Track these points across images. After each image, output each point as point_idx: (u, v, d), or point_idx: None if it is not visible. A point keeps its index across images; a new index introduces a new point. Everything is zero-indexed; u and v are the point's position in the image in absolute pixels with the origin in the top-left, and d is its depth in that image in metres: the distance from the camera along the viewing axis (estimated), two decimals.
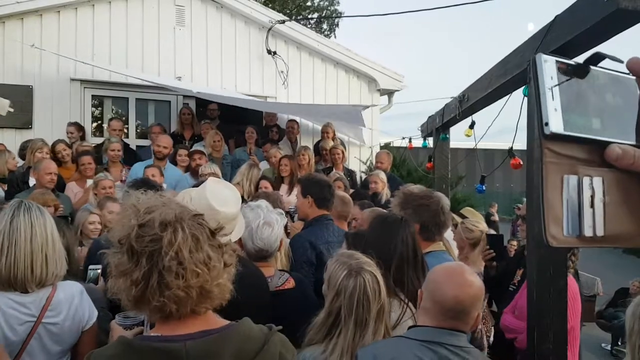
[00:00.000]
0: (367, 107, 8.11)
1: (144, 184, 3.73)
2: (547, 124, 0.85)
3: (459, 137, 5.67)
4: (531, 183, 3.02)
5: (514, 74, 3.38)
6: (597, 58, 0.89)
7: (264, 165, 7.33)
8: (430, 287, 1.98)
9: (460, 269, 2.02)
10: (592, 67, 0.89)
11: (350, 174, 7.40)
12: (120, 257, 1.33)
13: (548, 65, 0.88)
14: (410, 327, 2.04)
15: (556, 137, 0.86)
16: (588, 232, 0.86)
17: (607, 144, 0.87)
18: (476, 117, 4.66)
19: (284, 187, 6.39)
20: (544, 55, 0.90)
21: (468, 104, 4.28)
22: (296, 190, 3.93)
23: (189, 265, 1.30)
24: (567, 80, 0.87)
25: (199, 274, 1.31)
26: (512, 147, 3.74)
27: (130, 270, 1.31)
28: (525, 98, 3.24)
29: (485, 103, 4.16)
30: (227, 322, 1.42)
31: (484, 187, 4.17)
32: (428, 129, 5.94)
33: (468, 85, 4.42)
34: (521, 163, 3.74)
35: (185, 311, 1.33)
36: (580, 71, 0.89)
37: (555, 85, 0.86)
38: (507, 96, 3.79)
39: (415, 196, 3.21)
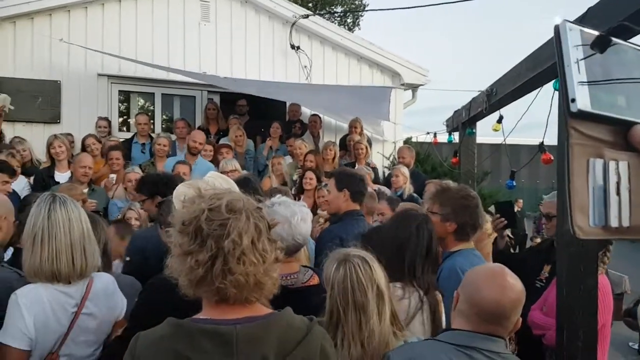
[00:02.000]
0: (394, 88, 8.01)
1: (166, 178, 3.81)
2: (573, 100, 0.80)
3: (483, 132, 5.60)
4: (562, 178, 2.95)
5: (544, 67, 3.31)
6: (623, 29, 0.83)
7: (287, 160, 7.35)
8: (469, 289, 1.90)
9: (501, 271, 1.93)
10: (620, 41, 0.83)
11: (372, 169, 7.38)
12: (182, 237, 1.38)
13: (573, 35, 0.82)
14: (444, 330, 1.99)
15: (583, 116, 0.80)
16: (614, 222, 0.82)
17: (631, 124, 0.81)
18: (502, 112, 4.58)
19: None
20: (568, 23, 0.83)
21: (496, 97, 4.21)
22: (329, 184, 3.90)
23: (249, 254, 1.34)
24: (593, 54, 0.82)
25: (256, 264, 1.35)
26: (542, 142, 3.66)
27: (195, 250, 1.35)
28: (557, 92, 3.18)
29: (514, 97, 4.09)
30: (270, 310, 1.45)
31: (514, 183, 4.08)
32: (454, 124, 5.87)
33: (495, 79, 4.36)
34: (552, 158, 3.65)
35: (241, 297, 1.37)
36: (605, 42, 0.83)
37: (582, 59, 0.81)
38: (537, 90, 3.72)
39: (454, 194, 3.09)
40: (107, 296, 2.39)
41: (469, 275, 1.98)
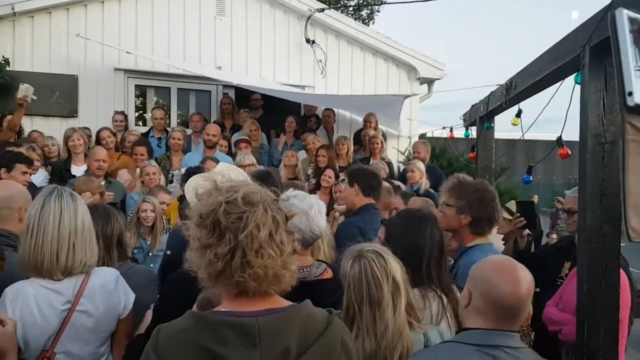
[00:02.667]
0: (408, 96, 8.00)
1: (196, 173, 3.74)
2: (630, 93, 0.77)
3: (498, 127, 5.53)
4: (583, 173, 2.92)
5: (565, 60, 3.26)
6: None
7: (302, 155, 7.35)
8: (483, 286, 1.85)
9: (510, 263, 1.91)
10: None
11: (387, 164, 7.36)
12: (200, 230, 1.37)
13: (629, 23, 0.79)
14: (460, 330, 1.94)
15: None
16: None
17: None
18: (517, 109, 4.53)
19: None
20: (625, 10, 0.80)
21: (516, 91, 4.16)
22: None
23: (266, 246, 1.34)
24: None
25: (274, 257, 1.35)
26: (560, 136, 3.61)
27: (213, 244, 1.35)
28: (577, 86, 3.13)
29: (534, 91, 4.03)
30: (290, 302, 1.45)
31: (530, 178, 4.03)
32: (471, 118, 5.81)
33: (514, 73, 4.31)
34: (569, 153, 3.60)
35: (261, 289, 1.37)
36: None
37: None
38: (558, 83, 3.67)
39: (471, 188, 3.08)
40: (106, 293, 2.29)
41: (478, 272, 1.92)
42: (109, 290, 2.31)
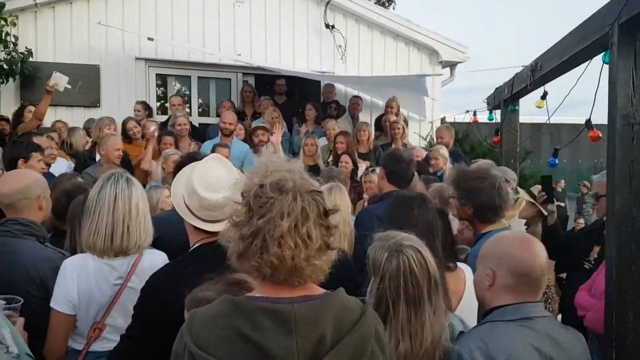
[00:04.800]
0: (430, 75, 7.86)
1: (190, 159, 3.62)
2: None
3: (522, 111, 5.43)
4: (612, 156, 2.84)
5: (593, 40, 3.17)
6: None
7: (322, 142, 7.31)
8: (511, 262, 1.89)
9: (525, 237, 2.01)
10: None
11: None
12: (239, 208, 1.38)
13: None
14: (492, 309, 1.93)
15: None
16: None
17: None
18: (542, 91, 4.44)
19: None
20: None
21: (541, 72, 4.07)
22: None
23: (287, 237, 1.31)
24: None
25: (294, 249, 1.31)
26: (589, 119, 3.53)
27: (242, 223, 1.35)
28: (606, 66, 3.04)
29: (560, 72, 3.95)
30: (324, 290, 1.42)
31: (556, 161, 3.96)
32: (495, 101, 5.72)
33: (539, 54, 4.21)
34: (600, 136, 3.52)
35: (278, 278, 1.35)
36: None
37: None
38: (585, 63, 3.58)
39: (468, 177, 3.07)
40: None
41: (499, 250, 1.96)
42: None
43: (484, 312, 2.00)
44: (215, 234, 2.01)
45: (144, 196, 2.49)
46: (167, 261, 2.44)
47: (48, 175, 4.62)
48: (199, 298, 1.58)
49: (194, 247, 2.14)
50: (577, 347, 1.92)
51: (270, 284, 1.37)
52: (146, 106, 7.64)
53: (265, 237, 1.31)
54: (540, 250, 1.91)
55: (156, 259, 2.44)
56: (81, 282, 2.32)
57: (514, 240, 1.99)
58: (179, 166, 3.44)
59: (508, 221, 3.21)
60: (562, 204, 13.64)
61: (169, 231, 3.09)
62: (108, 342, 2.33)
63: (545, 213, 3.83)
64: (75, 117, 7.58)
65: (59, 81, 5.92)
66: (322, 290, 1.42)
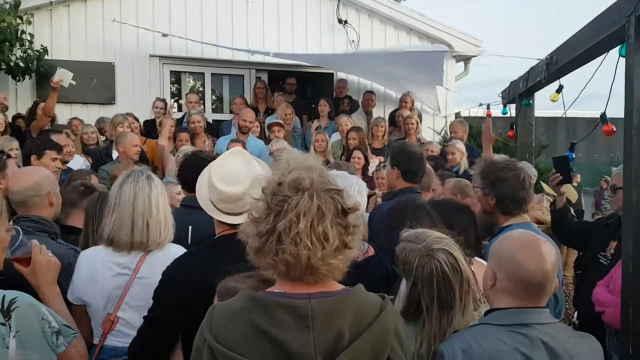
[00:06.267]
0: (448, 51, 7.68)
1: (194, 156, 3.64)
2: None
3: (538, 105, 5.38)
4: (629, 150, 2.81)
5: (609, 32, 3.14)
6: None
7: (335, 137, 7.30)
8: (509, 266, 1.81)
9: (533, 238, 1.87)
10: None
11: (422, 144, 7.23)
12: (258, 204, 1.39)
13: None
14: (489, 311, 1.90)
15: None
16: None
17: None
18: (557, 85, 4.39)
19: None
20: None
21: (556, 66, 4.03)
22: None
23: (303, 236, 1.31)
24: None
25: (310, 248, 1.31)
26: (604, 112, 3.48)
27: (260, 220, 1.36)
28: (622, 59, 3.00)
29: (575, 65, 3.91)
30: (343, 286, 1.43)
31: (573, 155, 3.91)
32: (510, 95, 5.67)
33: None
34: (614, 130, 3.48)
35: (294, 276, 1.35)
36: None
37: None
38: (601, 57, 3.53)
39: (494, 167, 3.06)
40: (165, 265, 2.34)
41: (501, 250, 1.89)
42: (167, 263, 2.37)
43: (484, 312, 1.97)
44: (236, 226, 2.04)
45: (164, 193, 2.50)
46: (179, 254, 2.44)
47: (65, 171, 4.69)
48: (229, 287, 1.60)
49: (215, 237, 2.23)
50: (585, 357, 1.82)
51: (289, 280, 1.37)
52: (166, 103, 7.72)
53: (281, 236, 1.31)
54: (547, 255, 1.79)
55: (170, 253, 2.41)
56: (88, 269, 2.37)
57: (518, 241, 1.88)
58: (184, 164, 3.48)
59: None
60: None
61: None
62: (125, 337, 2.33)
63: (555, 195, 3.80)
64: (91, 114, 7.63)
65: (64, 77, 5.94)
66: (340, 287, 1.42)
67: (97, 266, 2.37)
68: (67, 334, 1.85)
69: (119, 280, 2.38)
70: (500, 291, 1.84)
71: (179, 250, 2.43)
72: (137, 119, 7.03)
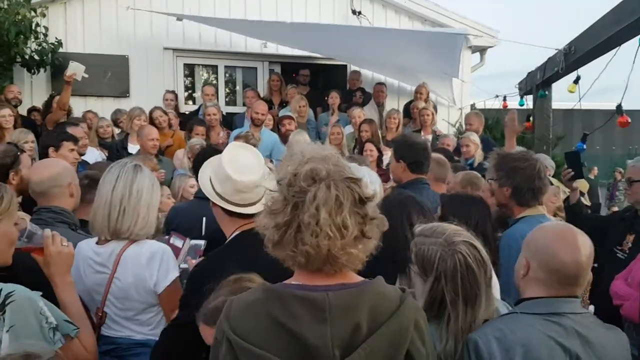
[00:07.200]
0: (468, 34, 7.55)
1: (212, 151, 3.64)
2: None
3: (556, 96, 5.30)
4: None
5: (630, 21, 3.06)
6: None
7: (348, 130, 7.26)
8: (543, 256, 1.81)
9: (569, 229, 1.86)
10: None
11: (438, 137, 7.16)
12: (275, 196, 1.38)
13: None
14: (521, 300, 1.88)
15: None
16: None
17: None
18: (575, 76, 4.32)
19: None
20: None
21: (575, 56, 3.96)
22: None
23: (323, 226, 1.29)
24: None
25: (330, 237, 1.30)
26: (620, 104, 3.42)
27: (277, 212, 1.35)
28: None
29: (593, 55, 3.83)
30: (362, 278, 1.41)
31: (584, 146, 3.85)
32: (527, 87, 5.59)
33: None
34: (629, 121, 3.41)
35: (313, 267, 1.35)
36: None
37: None
38: (616, 49, 3.46)
39: (510, 158, 3.03)
40: (136, 265, 2.34)
41: (536, 241, 1.88)
42: (139, 264, 2.35)
43: (515, 302, 1.95)
44: (250, 218, 2.04)
45: (153, 187, 2.44)
46: (163, 254, 2.41)
47: (82, 163, 4.72)
48: (214, 308, 1.64)
49: (233, 235, 2.21)
50: (615, 348, 1.82)
51: (307, 271, 1.37)
52: (176, 95, 7.73)
53: (300, 227, 1.31)
54: (582, 246, 1.78)
55: (142, 251, 2.37)
56: (75, 264, 2.31)
57: (553, 232, 1.88)
58: (199, 156, 3.49)
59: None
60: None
61: (184, 220, 3.15)
62: (116, 330, 2.39)
63: (568, 191, 3.75)
64: (105, 107, 7.68)
65: (77, 70, 5.97)
66: (359, 279, 1.41)
67: (79, 262, 2.34)
68: (67, 329, 1.83)
69: (98, 278, 2.36)
70: (533, 281, 1.85)
71: (149, 250, 2.38)
72: (165, 112, 7.00)
